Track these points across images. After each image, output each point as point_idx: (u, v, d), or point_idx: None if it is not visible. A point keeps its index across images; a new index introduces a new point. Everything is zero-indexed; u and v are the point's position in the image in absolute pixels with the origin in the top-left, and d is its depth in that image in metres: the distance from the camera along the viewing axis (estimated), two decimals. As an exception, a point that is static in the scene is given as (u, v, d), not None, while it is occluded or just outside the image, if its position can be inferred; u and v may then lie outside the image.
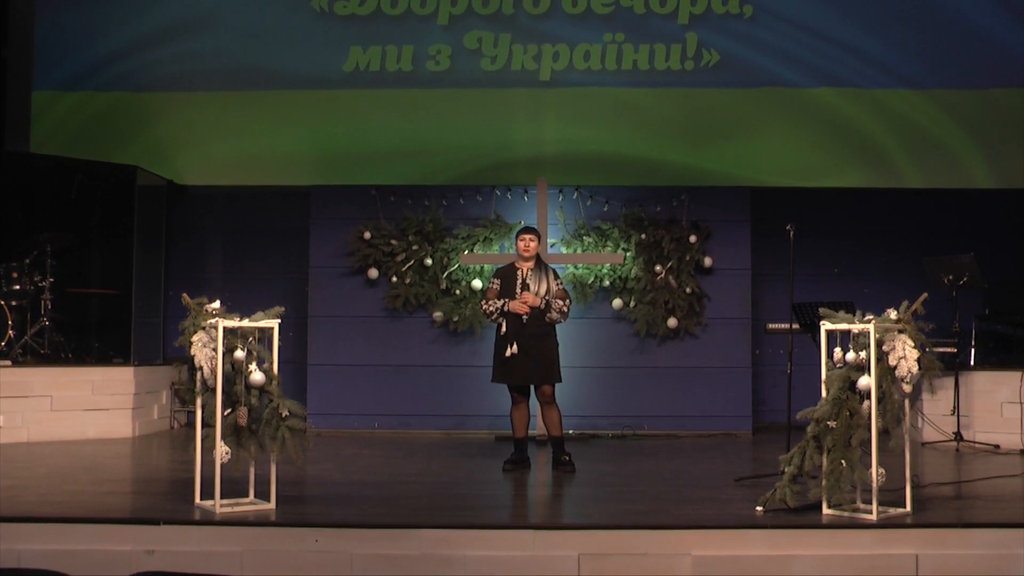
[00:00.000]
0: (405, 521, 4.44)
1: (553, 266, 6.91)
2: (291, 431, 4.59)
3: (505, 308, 5.98)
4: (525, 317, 5.94)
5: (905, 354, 4.39)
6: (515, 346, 5.91)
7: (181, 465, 6.11)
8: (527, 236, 6.10)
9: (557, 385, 6.09)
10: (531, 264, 6.09)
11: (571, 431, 7.96)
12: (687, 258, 8.24)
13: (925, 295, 4.53)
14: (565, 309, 6.03)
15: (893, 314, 4.52)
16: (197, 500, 4.64)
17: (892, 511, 4.50)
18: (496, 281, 6.13)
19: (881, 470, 4.44)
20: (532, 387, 6.09)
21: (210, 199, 9.10)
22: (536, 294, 5.96)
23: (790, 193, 8.79)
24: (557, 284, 6.08)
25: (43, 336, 7.70)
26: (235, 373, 4.58)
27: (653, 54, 8.60)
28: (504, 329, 5.98)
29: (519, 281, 6.05)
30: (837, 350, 4.60)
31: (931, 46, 8.55)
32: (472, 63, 8.67)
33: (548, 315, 5.98)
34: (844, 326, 4.57)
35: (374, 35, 8.70)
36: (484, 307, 6.08)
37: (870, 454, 4.43)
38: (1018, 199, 8.70)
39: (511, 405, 6.15)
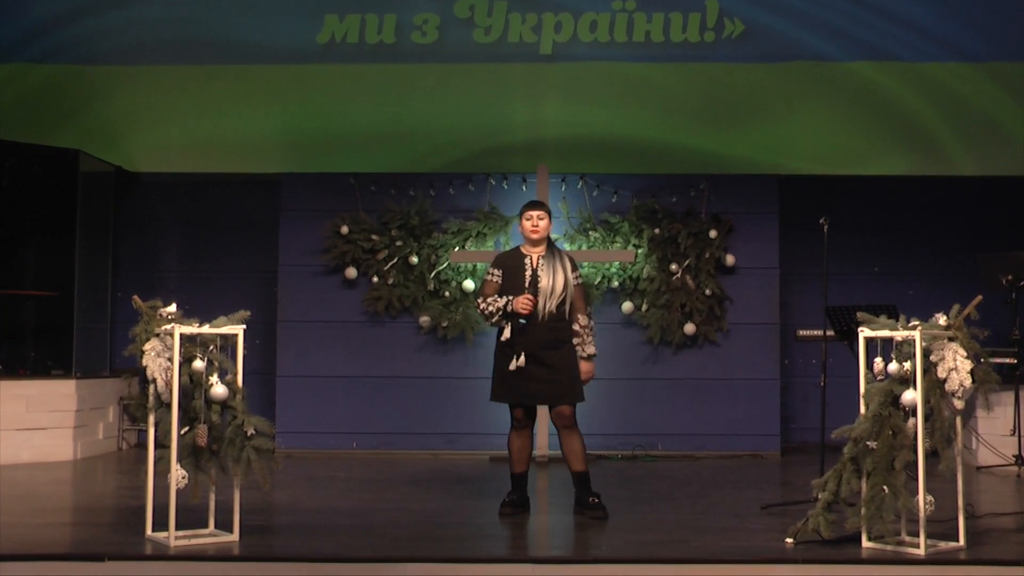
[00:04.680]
0: (387, 554, 4.42)
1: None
2: (257, 452, 4.57)
3: (509, 308, 5.34)
4: (524, 319, 5.31)
5: (956, 365, 4.38)
6: (522, 357, 5.30)
7: (130, 492, 6.10)
8: (535, 213, 5.43)
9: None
10: (541, 250, 5.44)
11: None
12: (707, 255, 8.24)
13: (979, 297, 4.53)
14: (592, 329, 5.43)
15: (942, 319, 4.51)
16: (149, 532, 4.62)
17: (943, 545, 4.49)
18: (496, 272, 5.45)
19: (929, 498, 4.42)
20: (547, 408, 5.52)
21: (165, 188, 9.08)
22: (552, 290, 5.32)
23: (823, 182, 8.79)
24: (575, 277, 5.43)
25: (-29, 344, 7.68)
26: (193, 386, 4.57)
27: (668, 24, 8.59)
28: (508, 334, 5.36)
29: (528, 272, 5.40)
30: (878, 360, 4.59)
31: (987, 12, 8.52)
32: (463, 34, 8.65)
33: (582, 350, 5.37)
34: (885, 333, 4.56)
35: (352, 2, 8.68)
36: (481, 306, 5.40)
37: (916, 479, 4.42)
38: (1086, 188, 8.72)
39: (510, 429, 5.51)
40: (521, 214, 5.53)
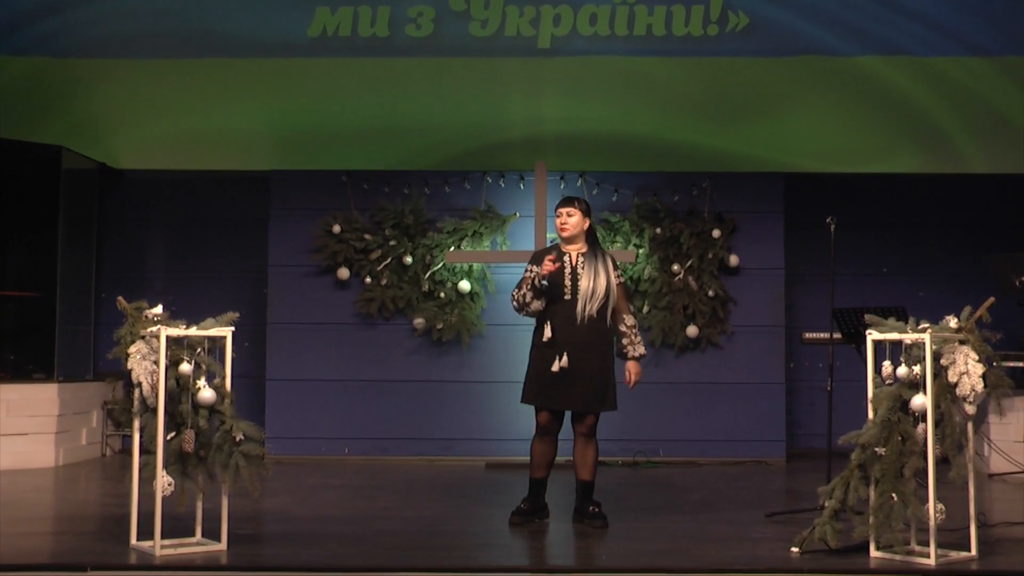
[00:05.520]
0: (380, 564, 4.42)
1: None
2: (246, 458, 4.56)
3: (538, 283, 5.28)
4: (546, 280, 5.29)
5: (968, 369, 4.38)
6: (564, 358, 5.25)
7: (114, 499, 6.08)
8: (563, 210, 5.42)
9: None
10: (580, 247, 5.42)
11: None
12: (710, 256, 8.24)
13: (991, 300, 4.52)
14: (638, 329, 5.41)
15: (953, 322, 4.52)
16: (133, 541, 4.61)
17: (954, 555, 4.49)
18: (533, 268, 5.40)
19: (940, 506, 4.42)
20: (569, 414, 5.42)
21: (150, 185, 9.07)
22: (592, 293, 5.28)
23: (830, 180, 8.79)
24: (618, 277, 5.41)
25: (-51, 347, 7.66)
26: (180, 390, 4.56)
27: (671, 17, 8.60)
28: (550, 333, 5.31)
29: (567, 271, 5.35)
30: (886, 364, 4.59)
31: (999, 4, 8.52)
32: (459, 27, 8.65)
33: (631, 350, 5.35)
34: (894, 336, 4.56)
35: (344, -7, 8.68)
36: (515, 296, 5.36)
37: (926, 487, 4.42)
38: (1102, 187, 8.73)
39: (535, 433, 5.42)
40: (555, 213, 5.53)
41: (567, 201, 5.49)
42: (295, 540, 4.93)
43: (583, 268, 5.36)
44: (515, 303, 5.40)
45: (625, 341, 5.38)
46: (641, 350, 5.41)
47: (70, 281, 8.35)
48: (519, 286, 5.40)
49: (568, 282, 5.34)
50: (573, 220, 5.42)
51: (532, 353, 5.42)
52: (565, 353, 5.25)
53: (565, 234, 5.43)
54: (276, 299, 8.39)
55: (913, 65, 8.57)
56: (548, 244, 7.59)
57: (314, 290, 8.36)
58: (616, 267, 5.45)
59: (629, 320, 5.41)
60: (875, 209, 8.94)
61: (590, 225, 5.50)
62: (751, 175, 8.47)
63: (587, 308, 5.30)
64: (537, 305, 5.35)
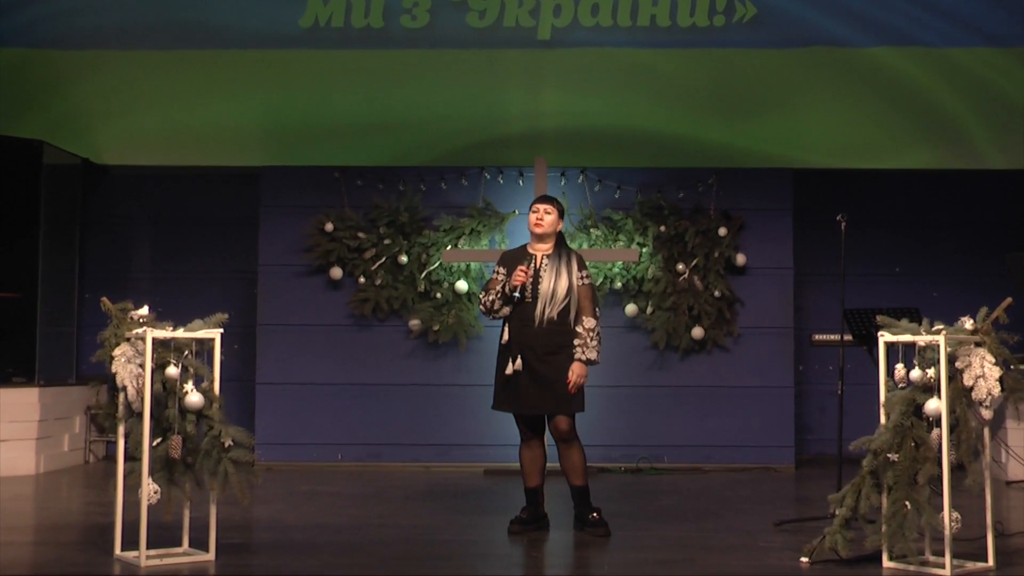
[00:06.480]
0: (374, 574, 4.43)
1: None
2: (235, 464, 4.57)
3: (509, 291, 5.36)
4: (520, 294, 5.35)
5: (984, 372, 4.38)
6: (519, 360, 5.36)
7: (98, 508, 6.09)
8: (541, 206, 5.50)
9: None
10: (548, 248, 5.49)
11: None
12: (716, 255, 8.24)
13: (1009, 300, 4.52)
14: (597, 333, 5.35)
15: (969, 323, 4.52)
16: (117, 551, 4.61)
17: (970, 565, 4.49)
18: (501, 270, 5.50)
19: (955, 514, 4.43)
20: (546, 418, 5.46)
21: (135, 182, 9.07)
22: (552, 295, 5.34)
23: (841, 176, 8.79)
24: (582, 279, 5.43)
25: (-76, 350, 7.66)
26: (167, 394, 4.57)
27: (675, 7, 8.60)
28: (507, 336, 5.43)
29: (532, 270, 5.43)
30: (899, 367, 4.60)
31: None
32: (456, 18, 8.65)
33: (579, 352, 5.27)
34: (908, 337, 4.56)
35: (337, -17, 8.69)
36: (482, 300, 5.47)
37: (941, 494, 4.42)
38: (1124, 183, 8.73)
39: (520, 441, 5.52)
40: (530, 208, 5.60)
41: (547, 199, 5.60)
42: (286, 549, 4.93)
43: (546, 270, 5.42)
44: (483, 307, 5.50)
45: (577, 342, 5.34)
46: (591, 355, 5.33)
47: (52, 281, 8.34)
48: (486, 290, 5.49)
49: (529, 285, 5.39)
50: (549, 219, 5.48)
51: (498, 357, 5.51)
52: (519, 356, 5.33)
53: (539, 230, 5.48)
54: (266, 300, 8.38)
55: (927, 56, 8.57)
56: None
57: (306, 290, 8.36)
58: (583, 268, 5.48)
59: (588, 323, 5.37)
60: (888, 206, 8.94)
61: (561, 229, 5.59)
62: (759, 171, 8.47)
63: (546, 311, 5.36)
64: (506, 311, 5.45)
